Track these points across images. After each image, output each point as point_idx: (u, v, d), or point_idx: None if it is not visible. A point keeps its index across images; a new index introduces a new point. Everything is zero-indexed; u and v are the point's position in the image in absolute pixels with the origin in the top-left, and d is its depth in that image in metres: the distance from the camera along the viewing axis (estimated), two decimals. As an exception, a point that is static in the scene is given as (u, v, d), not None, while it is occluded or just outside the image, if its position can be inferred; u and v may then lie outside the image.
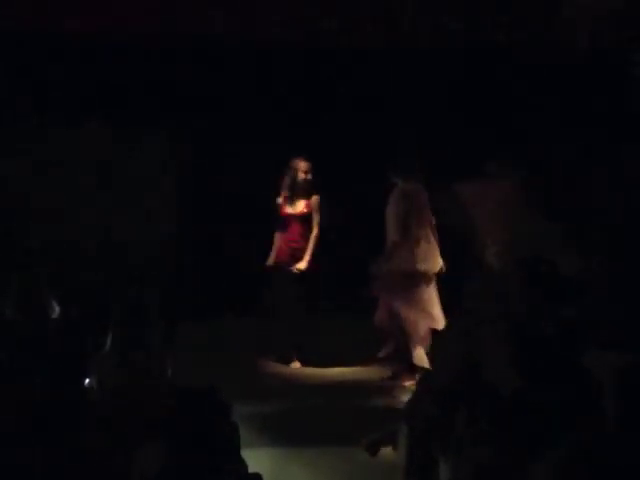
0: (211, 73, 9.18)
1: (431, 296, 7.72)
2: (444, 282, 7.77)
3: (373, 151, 8.96)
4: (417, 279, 7.69)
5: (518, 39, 8.87)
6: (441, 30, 8.79)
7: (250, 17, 8.79)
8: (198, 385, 3.99)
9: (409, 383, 7.33)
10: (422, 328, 7.65)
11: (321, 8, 8.81)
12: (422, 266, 7.67)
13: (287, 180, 8.18)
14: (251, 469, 4.15)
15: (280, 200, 8.24)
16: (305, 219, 8.22)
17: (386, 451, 5.87)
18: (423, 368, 7.32)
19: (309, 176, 8.16)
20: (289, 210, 8.23)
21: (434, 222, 7.87)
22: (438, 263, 7.78)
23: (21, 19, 8.57)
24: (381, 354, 8.02)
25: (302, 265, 8.12)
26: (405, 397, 6.01)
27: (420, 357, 7.60)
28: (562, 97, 9.12)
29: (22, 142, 9.15)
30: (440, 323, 7.58)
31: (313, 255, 8.16)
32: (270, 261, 8.31)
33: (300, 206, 8.22)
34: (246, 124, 9.28)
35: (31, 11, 8.55)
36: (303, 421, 6.58)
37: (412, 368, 7.55)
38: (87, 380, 4.64)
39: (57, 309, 5.22)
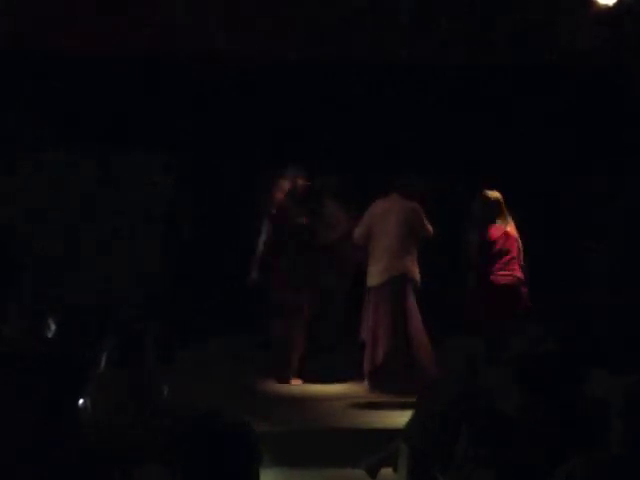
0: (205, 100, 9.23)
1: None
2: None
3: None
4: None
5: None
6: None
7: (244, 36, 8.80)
8: (211, 406, 3.89)
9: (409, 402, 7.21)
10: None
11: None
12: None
13: None
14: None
15: None
16: None
17: (386, 472, 5.82)
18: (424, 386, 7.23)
19: None
20: None
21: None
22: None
23: (12, 38, 8.60)
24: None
25: None
26: (405, 417, 5.86)
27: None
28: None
29: (13, 164, 9.17)
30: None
31: None
32: None
33: None
34: (238, 148, 9.30)
35: (22, 31, 8.58)
36: (302, 442, 6.48)
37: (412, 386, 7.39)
38: (82, 400, 4.45)
39: (53, 327, 5.14)
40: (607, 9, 8.06)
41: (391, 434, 5.94)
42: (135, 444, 4.15)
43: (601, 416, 4.11)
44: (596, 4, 8.07)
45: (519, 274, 8.02)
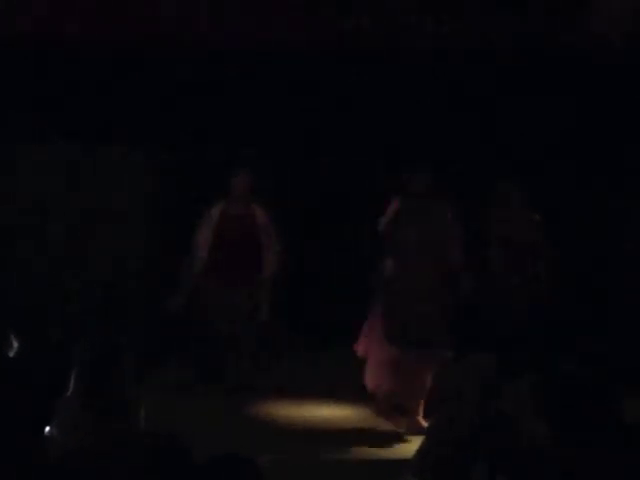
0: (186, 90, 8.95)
1: None
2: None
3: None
4: None
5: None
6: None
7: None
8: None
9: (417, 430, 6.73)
10: None
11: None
12: None
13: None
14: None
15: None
16: None
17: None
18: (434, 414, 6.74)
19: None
20: None
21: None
22: None
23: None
24: None
25: None
26: (414, 445, 5.52)
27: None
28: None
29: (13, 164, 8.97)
30: None
31: None
32: None
33: None
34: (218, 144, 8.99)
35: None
36: (297, 475, 6.03)
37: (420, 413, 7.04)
38: (47, 428, 4.17)
39: (15, 346, 4.65)
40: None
41: (398, 465, 5.61)
42: (108, 471, 3.85)
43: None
44: None
45: None
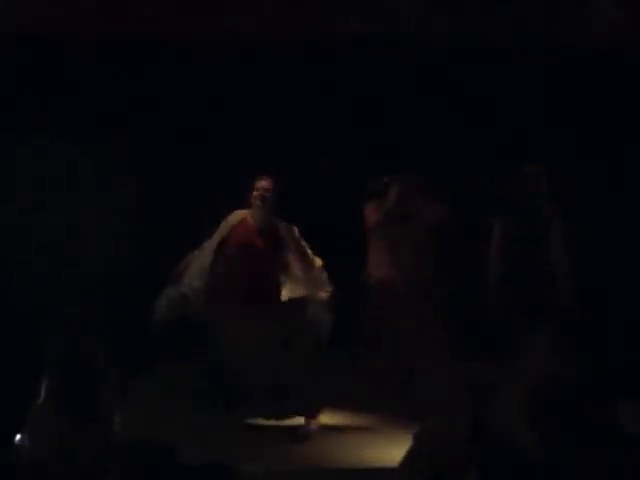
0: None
1: None
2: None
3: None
4: None
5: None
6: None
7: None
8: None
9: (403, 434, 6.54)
10: None
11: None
12: None
13: None
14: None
15: None
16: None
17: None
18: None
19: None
20: None
21: None
22: None
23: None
24: None
25: None
26: (399, 452, 5.25)
27: None
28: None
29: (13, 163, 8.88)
30: None
31: None
32: None
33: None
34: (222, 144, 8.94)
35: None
36: None
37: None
38: (19, 436, 4.17)
39: None
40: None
41: (382, 474, 5.49)
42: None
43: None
44: None
45: None
